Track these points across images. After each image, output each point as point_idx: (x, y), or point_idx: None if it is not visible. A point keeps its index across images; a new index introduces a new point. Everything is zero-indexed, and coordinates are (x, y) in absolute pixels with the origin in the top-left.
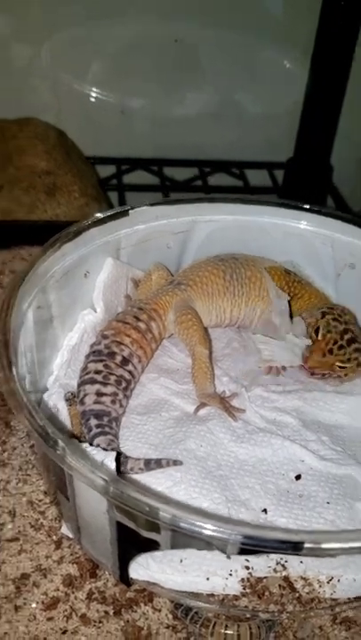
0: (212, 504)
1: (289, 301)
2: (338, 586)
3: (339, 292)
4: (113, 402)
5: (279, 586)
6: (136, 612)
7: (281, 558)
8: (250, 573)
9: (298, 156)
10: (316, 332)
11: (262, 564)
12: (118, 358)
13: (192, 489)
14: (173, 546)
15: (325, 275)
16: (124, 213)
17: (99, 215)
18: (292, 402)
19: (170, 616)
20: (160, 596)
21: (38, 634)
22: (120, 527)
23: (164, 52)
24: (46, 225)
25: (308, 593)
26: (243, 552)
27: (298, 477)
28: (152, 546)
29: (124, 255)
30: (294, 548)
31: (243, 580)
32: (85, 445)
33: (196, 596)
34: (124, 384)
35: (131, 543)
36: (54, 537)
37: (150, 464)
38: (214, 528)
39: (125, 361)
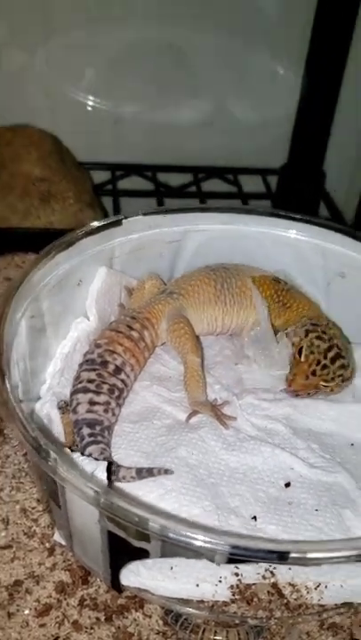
0: (202, 511)
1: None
2: (325, 592)
3: (329, 301)
4: (105, 411)
5: (268, 592)
6: (127, 618)
7: (270, 565)
8: (239, 580)
9: (291, 162)
10: (300, 352)
11: (251, 571)
12: (111, 367)
13: (183, 497)
14: (163, 555)
15: (316, 284)
16: (118, 223)
17: (92, 224)
18: (282, 409)
19: (160, 622)
20: (151, 603)
21: None
22: (111, 536)
23: (158, 58)
24: (40, 232)
25: (295, 599)
26: (231, 561)
27: (287, 485)
28: (142, 554)
29: (118, 264)
30: (280, 557)
31: (232, 586)
32: (77, 455)
33: (186, 602)
34: (116, 393)
35: (121, 552)
36: (47, 544)
37: (142, 473)
38: (202, 539)
39: (118, 370)
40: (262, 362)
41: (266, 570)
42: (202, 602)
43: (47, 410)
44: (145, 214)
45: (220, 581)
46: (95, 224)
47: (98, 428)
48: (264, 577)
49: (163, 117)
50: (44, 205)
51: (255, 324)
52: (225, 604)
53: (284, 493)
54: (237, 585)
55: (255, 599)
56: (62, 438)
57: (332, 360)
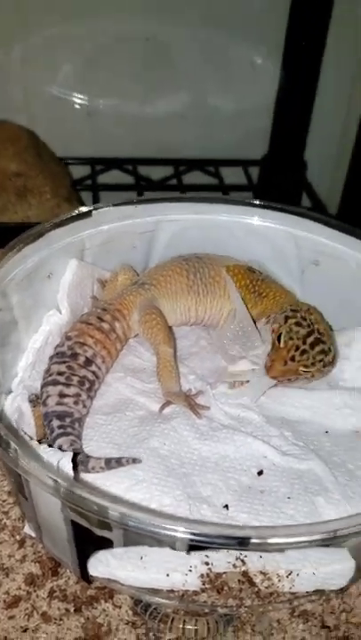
0: (173, 501)
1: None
2: (297, 580)
3: (304, 289)
4: (76, 403)
5: (238, 581)
6: (96, 608)
7: (241, 553)
8: (209, 569)
9: (272, 152)
10: (278, 338)
11: (222, 560)
12: (81, 359)
13: (154, 487)
14: (126, 543)
15: (290, 272)
16: (87, 214)
17: (62, 216)
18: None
19: (130, 612)
20: (120, 593)
21: None
22: (75, 526)
23: (136, 51)
24: (17, 226)
25: (267, 587)
26: (191, 548)
27: (260, 473)
28: (106, 544)
29: (89, 256)
30: (240, 543)
31: (202, 575)
32: (43, 447)
33: (156, 592)
34: (87, 384)
35: (86, 541)
36: (17, 536)
37: (111, 463)
38: (161, 525)
39: (89, 362)
40: (247, 354)
41: (237, 558)
42: (172, 591)
43: (18, 403)
44: (115, 205)
45: (190, 570)
46: (64, 216)
47: (68, 420)
48: (235, 565)
49: (142, 110)
50: (21, 200)
51: (230, 314)
52: (195, 593)
53: (257, 482)
54: (208, 574)
55: (226, 588)
56: (33, 431)
57: (312, 345)
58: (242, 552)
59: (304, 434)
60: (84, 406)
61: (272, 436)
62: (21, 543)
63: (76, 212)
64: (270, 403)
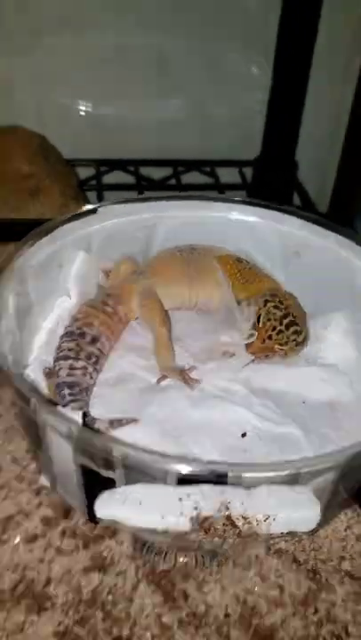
0: None
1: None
2: (273, 523)
3: (288, 277)
4: (84, 374)
5: (223, 523)
6: (102, 544)
7: (225, 500)
8: (198, 513)
9: (264, 153)
10: (258, 319)
11: (209, 506)
12: (88, 337)
13: (151, 446)
14: (127, 482)
15: (275, 262)
16: (93, 211)
17: (70, 213)
18: (242, 373)
19: (130, 548)
20: (122, 532)
21: (20, 562)
22: (84, 470)
23: (137, 60)
24: (31, 223)
25: (247, 529)
26: (180, 482)
27: (243, 435)
28: (110, 484)
29: (95, 249)
30: (218, 477)
31: (192, 518)
32: (59, 407)
33: (152, 531)
34: (93, 359)
35: (93, 483)
36: (34, 487)
37: (113, 423)
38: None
39: (95, 339)
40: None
41: (221, 504)
42: (166, 531)
43: (34, 375)
44: (118, 203)
45: (181, 514)
46: (72, 213)
47: (77, 388)
48: (219, 510)
49: (143, 115)
50: (33, 200)
51: (220, 299)
52: (186, 532)
53: (240, 442)
54: (197, 517)
55: (212, 529)
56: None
57: (287, 326)
58: (226, 499)
59: (284, 403)
60: (91, 377)
61: (255, 405)
62: (37, 492)
63: (84, 209)
64: (254, 377)
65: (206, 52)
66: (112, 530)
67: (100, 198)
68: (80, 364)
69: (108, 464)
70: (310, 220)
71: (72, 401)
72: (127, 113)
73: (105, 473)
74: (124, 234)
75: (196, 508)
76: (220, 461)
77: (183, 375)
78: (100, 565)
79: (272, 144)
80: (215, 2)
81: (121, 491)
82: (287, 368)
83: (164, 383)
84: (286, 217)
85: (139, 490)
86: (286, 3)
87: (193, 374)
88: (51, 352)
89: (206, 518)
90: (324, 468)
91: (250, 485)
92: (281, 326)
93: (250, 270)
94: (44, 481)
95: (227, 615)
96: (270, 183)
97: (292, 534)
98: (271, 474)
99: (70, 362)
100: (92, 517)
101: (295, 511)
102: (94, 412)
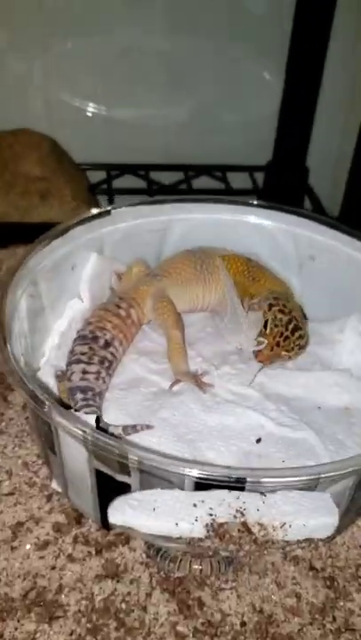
0: None
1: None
2: (289, 530)
3: (303, 282)
4: (97, 379)
5: (238, 530)
6: (114, 551)
7: (240, 507)
8: (213, 519)
9: (276, 159)
10: (265, 326)
11: (224, 512)
12: (101, 341)
13: (165, 451)
14: (142, 487)
15: (289, 267)
16: (107, 213)
17: (84, 215)
18: (256, 378)
19: (143, 555)
20: (135, 539)
21: (31, 569)
22: (98, 474)
23: (149, 64)
24: (40, 226)
25: (263, 536)
26: (197, 487)
27: (258, 441)
28: (125, 489)
29: (108, 251)
30: (237, 481)
31: (207, 525)
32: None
33: (166, 538)
34: (106, 364)
35: (108, 488)
36: (45, 492)
37: (127, 429)
38: (171, 462)
39: (108, 344)
40: (235, 337)
41: (237, 510)
42: (180, 538)
43: (46, 379)
44: (131, 205)
45: (196, 520)
46: (86, 214)
47: (90, 393)
48: (235, 517)
49: (155, 119)
50: (44, 203)
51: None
52: (200, 539)
53: (255, 448)
54: (212, 524)
55: (227, 536)
56: None
57: (293, 331)
58: (241, 506)
59: (298, 409)
60: (104, 382)
61: (270, 410)
62: (49, 497)
63: (97, 211)
64: (268, 382)
65: (219, 56)
66: (125, 536)
67: (110, 202)
68: (93, 368)
69: (124, 468)
70: (325, 224)
71: (85, 406)
72: (138, 117)
73: (120, 477)
74: (137, 236)
75: (210, 515)
76: (239, 467)
77: (196, 379)
78: (113, 573)
79: (284, 149)
80: (229, 6)
81: (135, 496)
82: (302, 373)
83: (176, 387)
84: (300, 220)
85: (153, 495)
86: (299, 7)
87: (205, 379)
88: (62, 355)
89: (221, 525)
90: (343, 473)
91: (269, 491)
92: (287, 332)
93: (258, 269)
94: (55, 486)
95: (243, 624)
96: (282, 188)
97: (308, 541)
98: (291, 479)
99: (83, 366)
100: (104, 524)
101: (312, 518)
102: (107, 416)
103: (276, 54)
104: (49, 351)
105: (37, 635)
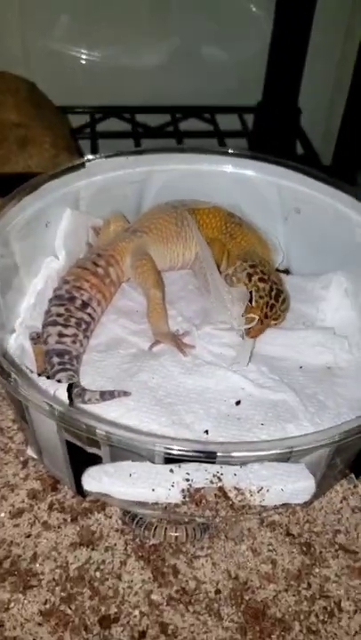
0: (159, 427)
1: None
2: (267, 495)
3: (286, 236)
4: (73, 342)
5: (215, 495)
6: (90, 518)
7: (217, 472)
8: (190, 485)
9: (266, 99)
10: (250, 300)
11: (201, 477)
12: (78, 302)
13: (143, 415)
14: (113, 459)
15: (274, 219)
16: (81, 166)
17: (57, 169)
18: (237, 338)
19: (119, 522)
20: (111, 506)
21: (6, 537)
22: (69, 445)
23: (132, 1)
24: (18, 176)
25: (240, 501)
26: (168, 461)
27: (238, 403)
28: (97, 460)
29: (83, 205)
30: (208, 456)
31: (183, 490)
32: (43, 379)
33: (142, 504)
34: (83, 326)
35: (79, 459)
36: (21, 458)
37: (105, 395)
38: (140, 440)
39: (85, 305)
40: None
41: (214, 475)
42: (156, 504)
43: (21, 341)
44: (107, 157)
45: (172, 486)
46: (59, 168)
47: (67, 357)
48: (212, 482)
49: (139, 59)
50: (22, 151)
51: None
52: (177, 505)
53: (235, 410)
54: (188, 489)
55: (203, 501)
56: (34, 366)
57: (276, 298)
58: (218, 470)
59: (279, 369)
60: (81, 345)
61: (250, 371)
62: (24, 464)
63: (70, 164)
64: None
65: None
66: (101, 503)
67: (94, 147)
68: (70, 331)
69: (93, 442)
70: (311, 175)
71: (62, 370)
72: (122, 57)
73: (90, 450)
74: (115, 189)
75: (187, 480)
76: (209, 441)
77: (176, 340)
78: (88, 541)
79: (274, 89)
80: None
81: (110, 465)
82: (283, 331)
83: (156, 349)
84: (286, 171)
85: (127, 464)
86: None
87: (186, 339)
88: (38, 315)
89: (198, 490)
90: (316, 447)
91: (240, 463)
92: (272, 300)
93: (237, 225)
94: (30, 452)
95: (218, 591)
96: (272, 130)
97: (286, 506)
98: (262, 453)
99: (59, 328)
100: (80, 491)
101: (290, 483)
102: (84, 380)
103: None
104: (24, 312)
105: (11, 604)
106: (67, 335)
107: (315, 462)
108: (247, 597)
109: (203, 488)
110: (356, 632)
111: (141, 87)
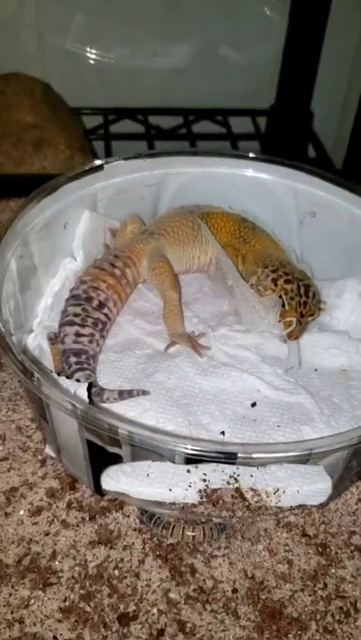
0: (176, 427)
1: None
2: (283, 496)
3: (302, 240)
4: (90, 341)
5: (231, 496)
6: (108, 517)
7: (234, 473)
8: (207, 485)
9: (279, 102)
10: (283, 305)
11: (217, 478)
12: (95, 302)
13: (159, 415)
14: (134, 458)
15: (289, 223)
16: (100, 168)
17: (75, 170)
18: (252, 339)
19: (137, 521)
20: (129, 505)
21: (25, 535)
22: (90, 445)
23: (147, 2)
24: (34, 177)
25: (256, 502)
26: (188, 462)
27: (253, 405)
28: (117, 460)
29: (101, 207)
30: (228, 457)
31: (200, 490)
32: (62, 379)
33: (160, 504)
34: (100, 325)
35: (99, 458)
36: (39, 457)
37: (123, 394)
38: (162, 440)
39: (102, 305)
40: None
41: (230, 476)
42: (174, 504)
43: (39, 341)
44: (125, 159)
45: (190, 486)
46: (77, 169)
47: (84, 356)
48: (228, 482)
49: (153, 61)
50: (37, 152)
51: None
52: (194, 505)
53: (250, 412)
54: (205, 489)
55: (220, 502)
56: (52, 366)
57: (306, 294)
58: (235, 471)
59: (294, 371)
60: (98, 345)
61: (265, 373)
62: (43, 462)
63: (89, 165)
64: (265, 344)
65: None
66: (119, 502)
67: (107, 148)
68: (87, 330)
69: (115, 441)
70: (326, 179)
71: (79, 369)
72: (136, 59)
73: (111, 449)
74: (132, 191)
75: (204, 481)
76: (229, 442)
77: (192, 342)
78: (107, 539)
79: (287, 92)
80: None
81: (128, 464)
82: None
83: (172, 350)
84: (301, 174)
85: (147, 464)
86: None
87: (202, 341)
88: (56, 316)
89: (215, 490)
90: (335, 449)
91: (259, 465)
92: (303, 298)
93: (251, 230)
94: (49, 451)
95: (235, 590)
96: (285, 133)
97: (301, 507)
98: (282, 455)
99: (76, 328)
100: (98, 490)
101: (306, 484)
102: (102, 379)
103: None
104: (42, 312)
105: (31, 601)
106: (84, 335)
107: (332, 464)
108: (264, 597)
109: (220, 489)
110: None
111: (155, 89)
